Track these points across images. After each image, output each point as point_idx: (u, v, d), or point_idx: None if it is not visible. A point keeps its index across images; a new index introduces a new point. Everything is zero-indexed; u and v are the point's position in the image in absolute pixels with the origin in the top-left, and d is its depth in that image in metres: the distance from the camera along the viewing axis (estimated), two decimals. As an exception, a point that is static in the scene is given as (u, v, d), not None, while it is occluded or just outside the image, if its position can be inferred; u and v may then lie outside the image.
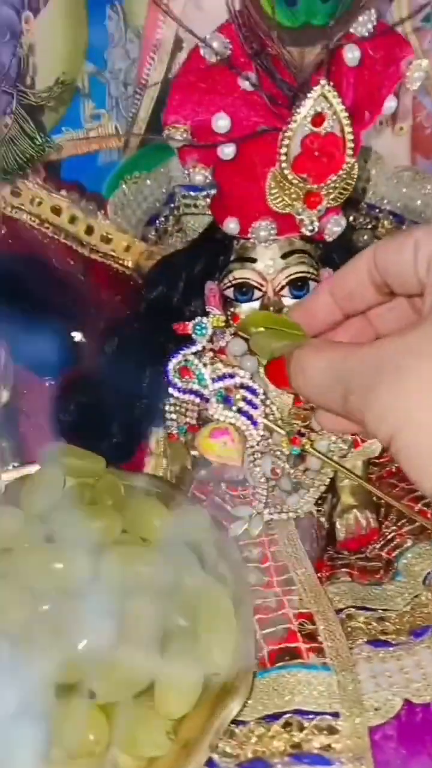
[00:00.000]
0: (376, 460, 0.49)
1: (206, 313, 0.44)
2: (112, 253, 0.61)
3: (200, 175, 0.39)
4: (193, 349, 0.44)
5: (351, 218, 0.59)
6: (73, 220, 0.61)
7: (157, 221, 0.59)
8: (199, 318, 0.43)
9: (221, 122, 0.36)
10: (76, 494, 0.44)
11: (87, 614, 0.35)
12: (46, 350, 0.54)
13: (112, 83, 0.56)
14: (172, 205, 0.59)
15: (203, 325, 0.43)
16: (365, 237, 0.60)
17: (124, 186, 0.60)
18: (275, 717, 0.35)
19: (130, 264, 0.60)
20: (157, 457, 0.48)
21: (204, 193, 0.57)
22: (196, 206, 0.57)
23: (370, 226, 0.59)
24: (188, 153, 0.39)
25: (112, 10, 0.53)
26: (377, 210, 0.59)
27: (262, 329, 0.31)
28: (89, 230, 0.61)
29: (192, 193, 0.57)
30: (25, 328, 0.52)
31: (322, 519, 0.47)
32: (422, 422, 0.23)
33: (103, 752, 0.31)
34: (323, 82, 0.34)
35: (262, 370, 0.45)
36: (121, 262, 0.61)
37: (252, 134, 0.37)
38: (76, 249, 0.62)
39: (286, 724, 0.34)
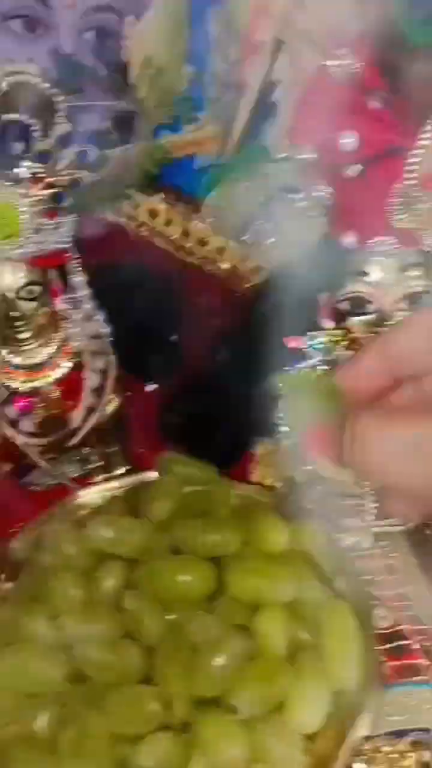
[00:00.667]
0: None
1: (319, 327, 0.44)
2: (208, 256, 0.61)
3: (322, 191, 0.39)
4: (307, 363, 0.44)
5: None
6: (169, 222, 0.61)
7: (254, 224, 0.59)
8: (312, 333, 0.43)
9: (349, 141, 0.36)
10: (191, 503, 0.45)
11: (213, 627, 0.37)
12: (151, 355, 0.56)
13: (211, 86, 0.55)
14: (270, 209, 0.59)
15: (317, 340, 0.43)
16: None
17: (221, 187, 0.60)
18: (401, 734, 0.36)
19: (226, 267, 0.61)
20: (263, 467, 0.49)
21: (301, 195, 0.57)
22: (294, 209, 0.57)
23: None
24: (311, 170, 0.39)
25: (215, 12, 0.53)
26: None
27: (299, 390, 0.30)
28: (185, 233, 0.61)
29: (290, 196, 0.57)
30: (131, 333, 0.54)
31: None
32: None
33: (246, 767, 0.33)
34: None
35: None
36: (215, 264, 0.62)
37: (381, 154, 0.36)
38: (172, 252, 0.63)
39: (415, 743, 0.35)
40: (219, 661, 0.35)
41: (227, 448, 0.50)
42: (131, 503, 0.45)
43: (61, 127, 0.39)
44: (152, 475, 0.48)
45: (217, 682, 0.34)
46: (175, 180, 0.60)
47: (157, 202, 0.61)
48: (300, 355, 0.43)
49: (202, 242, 0.60)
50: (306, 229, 0.53)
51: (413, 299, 0.43)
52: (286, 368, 0.44)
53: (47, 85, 0.38)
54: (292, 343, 0.44)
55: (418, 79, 0.35)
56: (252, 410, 0.49)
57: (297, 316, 0.47)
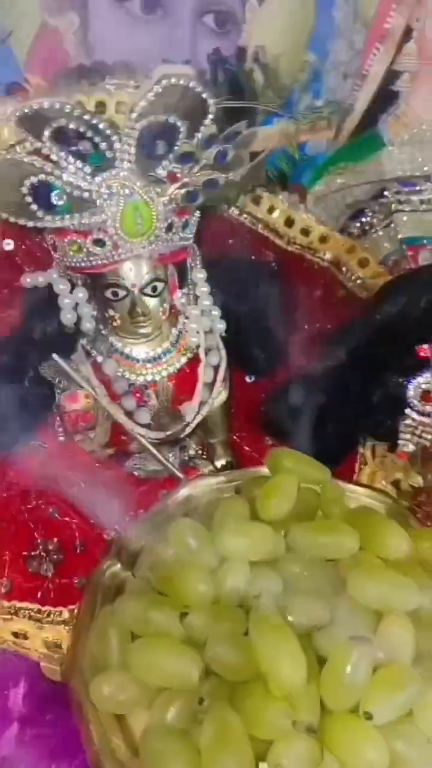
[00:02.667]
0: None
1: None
2: (310, 246, 0.61)
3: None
4: (433, 373, 0.44)
5: None
6: (272, 210, 0.61)
7: (364, 215, 0.59)
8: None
9: None
10: (303, 501, 0.46)
11: (341, 634, 0.38)
12: (256, 349, 0.56)
13: (331, 74, 0.54)
14: (382, 200, 0.58)
15: (451, 352, 0.43)
16: None
17: (328, 177, 0.59)
18: None
19: (328, 257, 0.60)
20: (372, 468, 0.49)
21: (418, 188, 0.55)
22: (409, 202, 0.56)
23: None
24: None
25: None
26: None
27: None
28: (288, 221, 0.60)
29: (406, 189, 0.56)
30: (241, 327, 0.54)
31: None
32: None
33: (382, 770, 0.34)
34: None
35: None
36: (317, 254, 0.61)
37: None
38: (273, 240, 0.62)
39: None
40: (349, 672, 0.35)
41: (334, 446, 0.50)
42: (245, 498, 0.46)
43: (208, 129, 0.39)
44: (262, 470, 0.49)
45: (349, 694, 0.35)
46: (281, 167, 0.59)
47: (260, 189, 0.60)
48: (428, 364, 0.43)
49: (305, 231, 0.60)
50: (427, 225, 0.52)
51: None
52: (412, 375, 0.44)
53: (201, 88, 0.37)
54: (423, 351, 0.44)
55: None
56: (366, 410, 0.49)
57: (423, 324, 0.46)
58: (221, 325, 0.50)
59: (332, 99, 0.54)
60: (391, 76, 0.53)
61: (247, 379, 0.57)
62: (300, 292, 0.60)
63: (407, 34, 0.51)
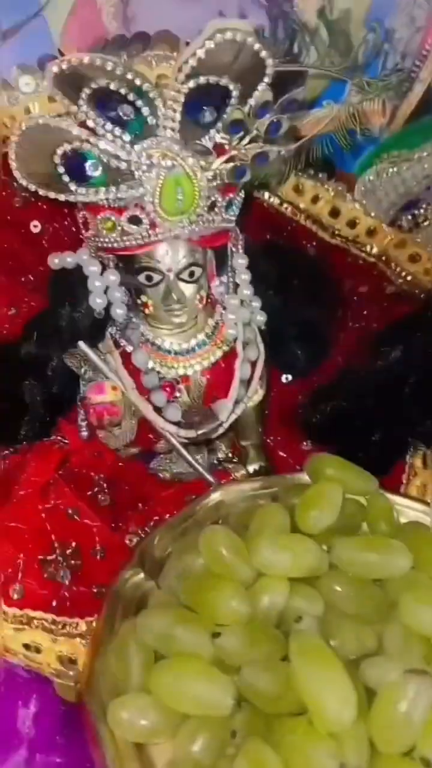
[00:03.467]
0: None
1: None
2: (356, 239, 0.57)
3: None
4: None
5: None
6: (315, 200, 0.56)
7: (416, 208, 0.54)
8: None
9: None
10: (348, 514, 0.42)
11: (393, 666, 0.34)
12: (296, 346, 0.52)
13: (390, 53, 0.50)
14: (436, 192, 0.54)
15: None
16: None
17: (380, 165, 0.55)
18: None
19: (375, 251, 0.56)
20: (423, 479, 0.45)
21: None
22: (468, 196, 0.52)
23: None
24: None
25: (405, -30, 0.48)
26: None
27: None
28: (334, 212, 0.56)
29: (464, 181, 0.52)
30: (281, 322, 0.50)
31: None
32: None
33: None
34: None
35: None
36: (362, 248, 0.57)
37: None
38: (316, 232, 0.58)
39: None
40: (404, 710, 0.31)
41: (381, 453, 0.46)
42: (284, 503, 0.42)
43: (262, 95, 0.35)
44: (301, 477, 0.45)
45: (403, 735, 0.31)
46: (331, 154, 0.55)
47: (304, 177, 0.56)
48: None
49: (352, 223, 0.55)
50: None
51: None
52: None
53: (259, 45, 0.33)
54: None
55: None
56: (419, 415, 0.45)
57: None
58: (261, 317, 0.46)
59: (389, 80, 0.50)
60: (453, 57, 0.49)
61: (283, 379, 0.53)
62: (344, 287, 0.56)
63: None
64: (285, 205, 0.57)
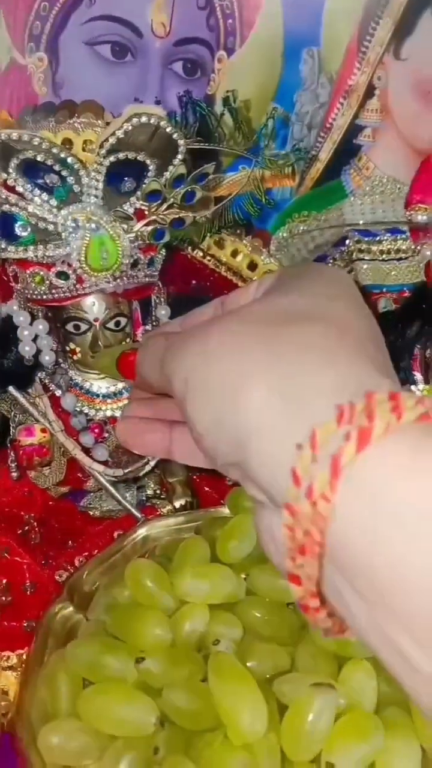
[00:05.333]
0: None
1: (413, 380, 0.45)
2: (273, 290, 0.61)
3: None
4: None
5: None
6: (235, 254, 0.61)
7: (325, 262, 0.60)
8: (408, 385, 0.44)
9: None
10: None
11: (303, 681, 0.37)
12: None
13: (296, 125, 0.56)
14: (343, 248, 0.59)
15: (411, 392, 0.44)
16: None
17: (291, 223, 0.60)
18: None
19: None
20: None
21: (378, 238, 0.57)
22: (369, 252, 0.57)
23: None
24: (423, 232, 0.40)
25: (308, 54, 0.53)
26: None
27: None
28: (252, 266, 0.61)
29: (366, 239, 0.57)
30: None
31: None
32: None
33: None
34: None
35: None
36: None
37: None
38: (236, 283, 0.63)
39: None
40: (311, 720, 0.34)
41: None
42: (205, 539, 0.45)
43: (176, 169, 0.39)
44: (223, 510, 0.48)
45: (311, 743, 0.34)
46: (246, 213, 0.60)
47: (225, 233, 0.61)
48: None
49: (268, 275, 0.60)
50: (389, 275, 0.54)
51: None
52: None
53: (171, 128, 0.38)
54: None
55: None
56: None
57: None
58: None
59: (297, 147, 0.56)
60: (354, 129, 0.55)
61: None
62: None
63: (370, 91, 0.54)
64: (208, 258, 0.61)
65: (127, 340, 0.47)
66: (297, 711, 0.35)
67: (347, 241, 0.58)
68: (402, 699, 0.37)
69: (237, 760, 0.33)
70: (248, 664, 0.38)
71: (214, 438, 0.24)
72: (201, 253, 0.60)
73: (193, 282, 0.60)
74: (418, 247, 0.42)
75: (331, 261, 0.59)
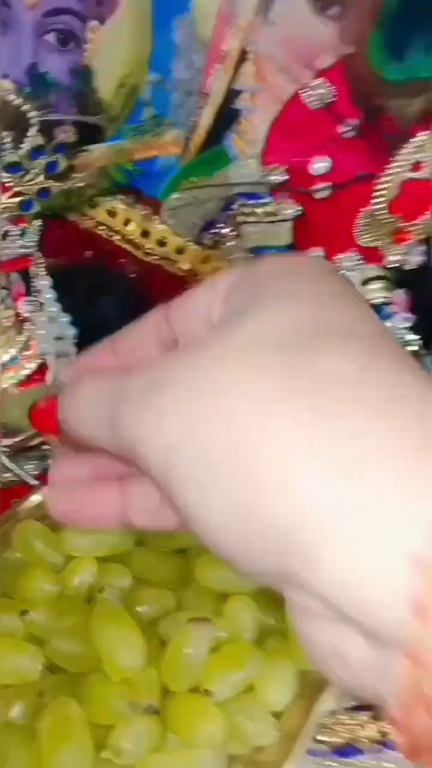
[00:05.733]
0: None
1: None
2: (167, 256, 0.63)
3: (291, 209, 0.42)
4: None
5: None
6: (127, 222, 0.62)
7: (214, 227, 0.61)
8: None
9: (320, 165, 0.38)
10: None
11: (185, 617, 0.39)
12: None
13: (174, 92, 0.57)
14: (230, 212, 0.60)
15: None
16: None
17: (180, 190, 0.62)
18: (364, 708, 0.38)
19: (185, 267, 0.63)
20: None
21: (262, 201, 0.59)
22: (254, 214, 0.59)
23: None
24: (282, 190, 0.41)
25: (179, 21, 0.54)
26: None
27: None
28: (144, 233, 0.62)
29: (250, 202, 0.58)
30: (94, 335, 0.55)
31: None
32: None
33: (220, 743, 0.35)
34: (424, 132, 0.36)
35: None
36: (175, 265, 0.63)
37: (350, 180, 0.39)
38: (131, 251, 0.64)
39: (374, 715, 0.38)
40: (188, 652, 0.36)
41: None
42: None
43: (33, 140, 0.40)
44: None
45: (189, 674, 0.36)
46: (136, 182, 0.61)
47: (116, 202, 0.61)
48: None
49: (161, 242, 0.62)
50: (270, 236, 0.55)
51: (374, 310, 0.46)
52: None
53: (20, 100, 0.39)
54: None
55: (388, 113, 0.37)
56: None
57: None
58: (71, 332, 0.51)
59: (177, 116, 0.57)
60: (232, 94, 0.56)
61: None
62: (158, 300, 0.61)
63: (243, 55, 0.55)
64: (101, 228, 0.62)
65: (7, 311, 0.48)
66: (175, 644, 0.37)
67: (233, 205, 0.60)
68: (282, 629, 0.40)
69: (114, 694, 0.35)
70: (138, 609, 0.40)
71: (237, 536, 0.17)
72: (93, 223, 0.61)
73: (87, 252, 0.61)
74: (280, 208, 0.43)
75: (219, 226, 0.61)
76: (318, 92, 0.37)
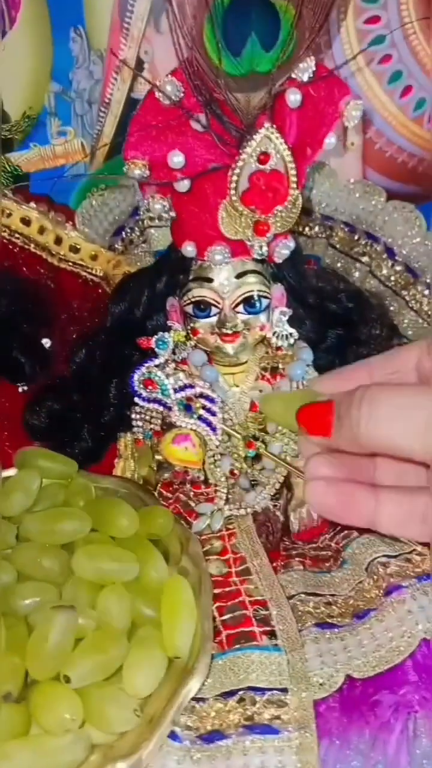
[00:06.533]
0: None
1: (168, 328, 0.48)
2: (81, 262, 0.64)
3: (159, 204, 0.43)
4: (156, 361, 0.47)
5: (306, 229, 0.63)
6: (42, 230, 0.63)
7: (123, 232, 0.63)
8: (161, 333, 0.47)
9: (176, 159, 0.40)
10: (49, 496, 0.47)
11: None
12: (20, 357, 0.58)
13: (77, 102, 0.58)
14: (137, 218, 0.62)
15: (165, 340, 0.47)
16: (320, 246, 0.64)
17: (91, 198, 0.63)
18: (231, 694, 0.39)
19: (98, 272, 0.64)
20: (125, 461, 0.52)
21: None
22: (159, 219, 0.60)
23: (324, 236, 0.64)
24: (148, 185, 0.42)
25: (76, 32, 0.56)
26: (331, 221, 0.63)
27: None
28: (58, 240, 0.64)
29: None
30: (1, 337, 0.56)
31: (278, 513, 0.51)
32: None
33: (78, 729, 0.35)
34: (267, 124, 0.37)
35: (221, 379, 0.49)
36: (89, 270, 0.64)
37: (204, 171, 0.40)
38: (46, 258, 0.65)
39: (241, 700, 0.39)
40: (51, 638, 0.37)
41: (90, 444, 0.52)
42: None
43: None
44: (12, 471, 0.50)
45: (51, 661, 0.37)
46: (47, 190, 0.62)
47: (30, 211, 0.63)
48: (151, 353, 0.47)
49: (75, 249, 0.63)
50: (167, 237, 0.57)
51: (250, 303, 0.47)
52: (139, 366, 0.47)
53: None
54: (144, 343, 0.48)
55: (232, 106, 0.39)
56: (111, 408, 0.51)
57: (147, 318, 0.50)
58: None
59: (80, 125, 0.58)
60: (132, 102, 0.58)
61: (20, 389, 0.58)
62: (71, 305, 0.63)
63: (140, 64, 0.57)
64: (16, 236, 0.63)
65: None
66: (38, 633, 0.37)
67: (140, 211, 0.62)
68: (156, 620, 0.41)
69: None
70: (22, 602, 0.40)
71: None
72: (8, 232, 0.63)
73: (5, 262, 0.62)
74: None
75: (128, 231, 0.62)
76: (167, 89, 0.39)
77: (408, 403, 0.25)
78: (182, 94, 0.39)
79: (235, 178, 0.39)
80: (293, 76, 0.39)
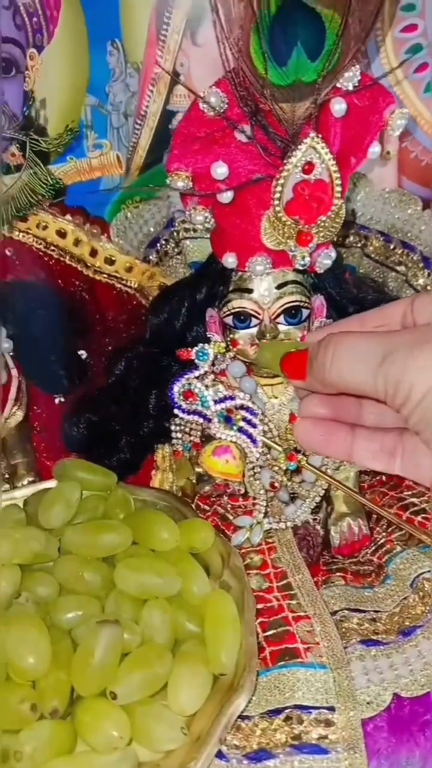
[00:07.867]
0: (368, 470, 0.52)
1: (207, 339, 0.47)
2: (116, 274, 0.64)
3: (201, 215, 0.43)
4: (196, 373, 0.47)
5: (342, 238, 0.63)
6: (77, 242, 0.64)
7: (158, 244, 0.63)
8: (201, 345, 0.46)
9: (219, 170, 0.39)
10: (89, 508, 0.47)
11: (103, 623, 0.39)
12: (57, 369, 0.58)
13: (113, 115, 0.59)
14: (172, 229, 0.62)
15: (205, 352, 0.47)
16: (355, 255, 0.63)
17: (125, 210, 0.63)
18: (277, 712, 0.38)
19: (133, 284, 0.64)
20: (163, 472, 0.52)
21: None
22: (194, 230, 0.60)
23: (359, 245, 0.63)
24: (190, 196, 0.42)
25: (113, 46, 0.56)
26: (366, 230, 0.63)
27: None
28: (93, 252, 0.64)
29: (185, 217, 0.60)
30: (37, 348, 0.56)
31: (318, 527, 0.50)
32: None
33: (126, 747, 0.35)
34: (312, 134, 0.37)
35: (260, 390, 0.49)
36: (124, 282, 0.64)
37: (248, 182, 0.40)
38: (81, 270, 0.65)
39: (287, 718, 0.38)
40: (96, 654, 0.36)
41: (128, 455, 0.52)
42: (30, 511, 0.47)
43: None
44: (52, 483, 0.50)
45: (97, 677, 0.36)
46: (83, 202, 0.62)
47: (65, 223, 0.63)
48: (191, 365, 0.46)
49: (110, 261, 0.63)
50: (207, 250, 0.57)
51: (291, 314, 0.46)
52: (179, 378, 0.46)
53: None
54: (183, 355, 0.47)
55: (277, 116, 0.39)
56: (150, 420, 0.51)
57: (186, 329, 0.50)
58: (7, 345, 0.52)
59: (116, 138, 0.58)
60: (168, 115, 0.58)
61: (56, 401, 0.59)
62: (106, 316, 0.63)
63: (175, 77, 0.57)
64: (52, 248, 0.64)
65: None
66: (83, 648, 0.37)
67: (174, 222, 0.62)
68: (200, 634, 0.40)
69: (17, 695, 0.35)
70: (65, 616, 0.40)
71: None
72: (44, 245, 0.63)
73: (40, 272, 0.63)
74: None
75: (163, 242, 0.62)
76: (211, 101, 0.39)
77: (364, 347, 0.28)
78: (226, 105, 0.39)
79: (279, 188, 0.38)
80: (338, 85, 0.39)
